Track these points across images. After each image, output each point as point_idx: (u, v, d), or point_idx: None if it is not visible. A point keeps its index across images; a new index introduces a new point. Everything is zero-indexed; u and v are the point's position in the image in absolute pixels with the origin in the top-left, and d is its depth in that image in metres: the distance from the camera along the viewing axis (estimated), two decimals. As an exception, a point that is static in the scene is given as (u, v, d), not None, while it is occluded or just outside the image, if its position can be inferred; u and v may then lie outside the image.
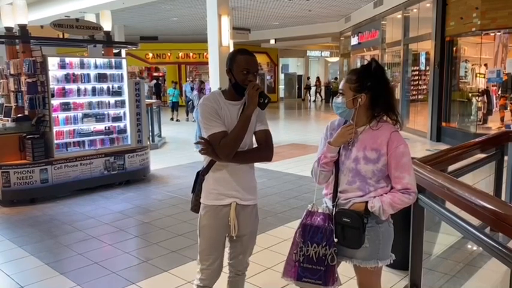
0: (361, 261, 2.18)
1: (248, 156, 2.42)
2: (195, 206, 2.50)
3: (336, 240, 2.17)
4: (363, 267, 2.19)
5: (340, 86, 2.23)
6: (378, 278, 2.31)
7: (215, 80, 9.26)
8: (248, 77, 2.33)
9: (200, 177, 2.46)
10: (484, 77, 10.72)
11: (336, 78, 24.53)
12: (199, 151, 2.37)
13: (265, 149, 2.43)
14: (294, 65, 31.41)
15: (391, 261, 2.25)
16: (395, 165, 2.10)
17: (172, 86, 17.63)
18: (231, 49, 10.03)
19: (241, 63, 2.33)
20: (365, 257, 2.17)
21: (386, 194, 2.13)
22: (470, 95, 10.77)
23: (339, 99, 2.20)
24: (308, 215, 2.25)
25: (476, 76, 10.99)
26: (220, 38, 9.29)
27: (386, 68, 14.70)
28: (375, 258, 2.17)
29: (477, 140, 4.27)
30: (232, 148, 2.29)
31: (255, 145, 2.47)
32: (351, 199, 2.18)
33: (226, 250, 2.58)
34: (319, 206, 2.28)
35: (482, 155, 4.21)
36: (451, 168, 3.60)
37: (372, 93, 2.12)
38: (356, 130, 2.17)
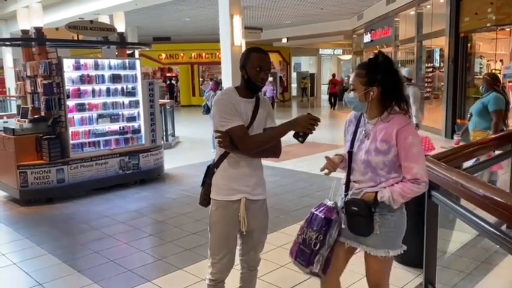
0: (372, 248, 2.21)
1: (259, 151, 2.45)
2: (204, 200, 2.55)
3: (344, 226, 2.26)
4: (374, 255, 2.22)
5: (351, 81, 2.27)
6: (388, 269, 2.33)
7: (228, 79, 9.29)
8: (260, 74, 2.38)
9: (211, 170, 2.49)
10: (500, 73, 10.55)
11: (333, 75, 23.43)
12: (218, 143, 2.40)
13: (275, 145, 2.49)
14: (307, 64, 31.32)
15: (402, 252, 2.27)
16: (404, 155, 2.14)
17: None
18: (243, 48, 10.04)
19: (255, 61, 2.39)
20: (376, 244, 2.21)
21: (397, 183, 2.17)
22: (485, 91, 10.61)
23: (350, 94, 2.24)
24: (320, 206, 2.37)
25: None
26: (233, 38, 9.31)
27: (399, 66, 14.58)
28: (386, 247, 2.21)
29: (493, 136, 4.21)
30: (259, 146, 2.38)
31: None
32: (363, 189, 2.23)
33: (238, 246, 2.61)
34: (335, 198, 2.37)
35: (498, 152, 4.15)
36: (466, 165, 3.57)
37: (383, 85, 2.17)
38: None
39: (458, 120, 10.73)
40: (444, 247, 3.73)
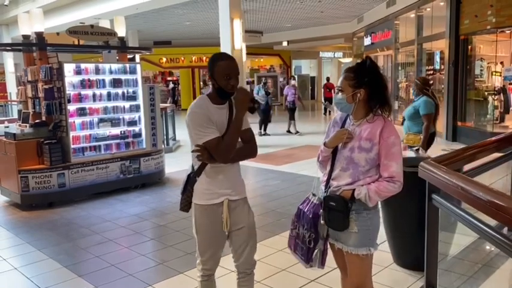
0: (353, 248, 2.31)
1: (236, 155, 2.51)
2: (185, 206, 2.62)
3: (322, 222, 2.34)
4: (355, 254, 2.31)
5: (339, 83, 2.39)
6: (370, 267, 2.41)
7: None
8: (230, 81, 2.39)
9: (192, 179, 2.55)
10: (500, 75, 10.56)
11: (327, 79, 21.30)
12: (196, 157, 2.46)
13: (250, 146, 2.58)
14: (307, 67, 31.35)
15: (376, 250, 2.37)
16: (385, 153, 2.27)
17: None
18: (244, 52, 10.07)
19: (222, 69, 2.40)
20: (356, 243, 2.31)
21: (373, 182, 2.29)
22: (486, 93, 10.62)
23: (339, 96, 2.37)
24: (304, 201, 2.48)
25: (492, 74, 10.82)
26: (233, 42, 9.34)
27: (400, 68, 14.60)
28: (366, 245, 2.31)
29: (493, 138, 4.19)
30: (229, 152, 2.43)
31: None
32: (341, 187, 2.33)
33: (230, 254, 2.66)
34: (318, 194, 2.45)
35: (499, 154, 4.14)
36: (466, 167, 3.56)
37: (369, 88, 2.29)
38: (352, 134, 2.34)
39: (459, 123, 10.74)
40: (445, 250, 3.72)
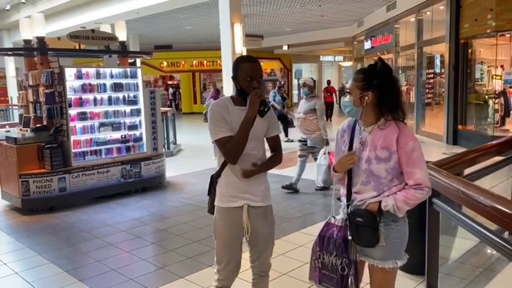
0: (379, 261, 2.19)
1: (266, 166, 2.54)
2: (212, 208, 2.59)
3: (350, 237, 2.20)
4: (381, 267, 2.19)
5: (348, 85, 2.28)
6: (394, 280, 2.30)
7: (228, 87, 9.32)
8: (252, 83, 2.41)
9: (214, 180, 2.55)
10: (501, 79, 10.56)
11: (328, 82, 20.31)
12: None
13: (278, 154, 2.58)
14: (308, 70, 31.40)
15: (405, 262, 2.26)
16: (406, 161, 2.12)
17: None
18: (244, 56, 10.10)
19: (245, 71, 2.42)
20: (383, 257, 2.18)
21: (399, 191, 2.14)
22: (486, 97, 10.62)
23: (346, 98, 2.25)
24: (326, 226, 2.33)
25: (492, 78, 10.83)
26: (234, 46, 9.37)
27: (400, 72, 14.61)
28: (393, 258, 2.19)
29: (494, 142, 4.20)
30: (237, 152, 2.40)
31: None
32: (365, 200, 2.19)
33: (247, 254, 2.63)
34: (338, 215, 2.33)
35: (500, 158, 4.14)
36: (467, 171, 3.56)
37: (379, 91, 2.15)
38: (356, 156, 2.20)
39: (459, 127, 10.74)
40: (446, 254, 3.72)
